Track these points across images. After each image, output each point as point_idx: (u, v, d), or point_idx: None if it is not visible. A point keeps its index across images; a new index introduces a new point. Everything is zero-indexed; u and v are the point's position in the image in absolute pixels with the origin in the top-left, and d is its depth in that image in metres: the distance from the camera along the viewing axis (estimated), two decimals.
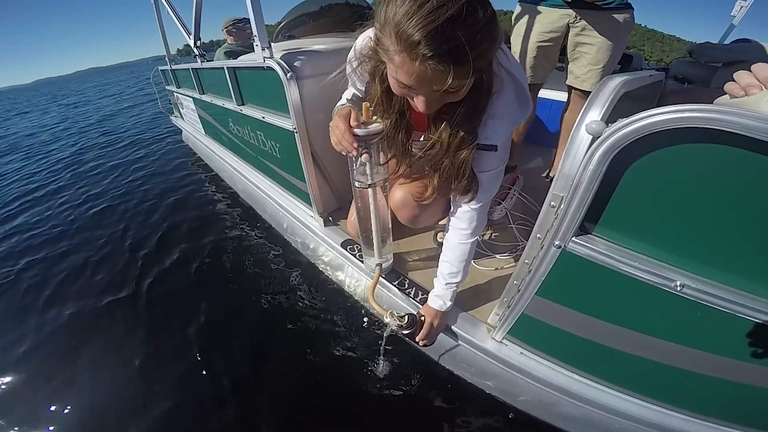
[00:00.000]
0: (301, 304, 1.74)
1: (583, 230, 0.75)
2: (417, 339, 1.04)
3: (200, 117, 3.23)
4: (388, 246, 1.26)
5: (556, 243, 0.76)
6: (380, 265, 1.22)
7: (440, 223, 1.46)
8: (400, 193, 1.09)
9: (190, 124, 3.87)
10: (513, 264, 1.32)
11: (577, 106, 1.59)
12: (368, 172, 0.98)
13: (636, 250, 0.70)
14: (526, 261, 0.86)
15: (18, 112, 16.07)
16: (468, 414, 1.21)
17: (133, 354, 1.64)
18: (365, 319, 1.49)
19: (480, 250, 1.37)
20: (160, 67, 3.94)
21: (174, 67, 3.39)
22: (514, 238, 1.43)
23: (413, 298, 1.22)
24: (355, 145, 0.87)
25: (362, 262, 1.39)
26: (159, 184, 3.77)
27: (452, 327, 1.12)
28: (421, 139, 0.98)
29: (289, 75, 1.31)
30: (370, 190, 1.03)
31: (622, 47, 1.43)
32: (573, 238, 0.74)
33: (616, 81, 0.70)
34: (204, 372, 1.50)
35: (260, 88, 1.68)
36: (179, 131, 4.68)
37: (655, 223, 0.67)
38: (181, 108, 3.96)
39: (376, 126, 0.89)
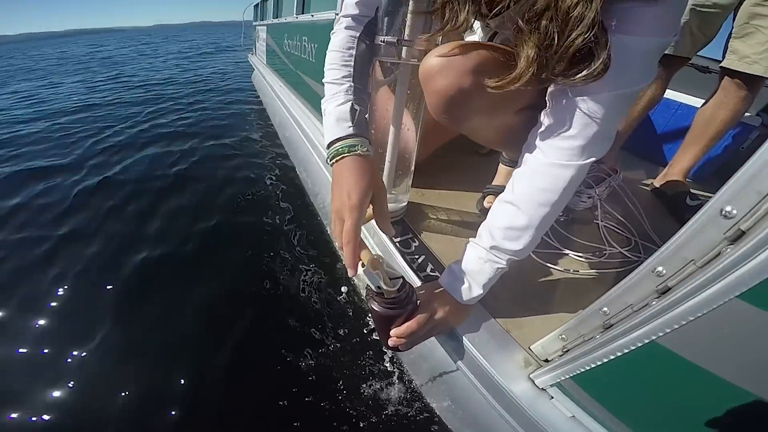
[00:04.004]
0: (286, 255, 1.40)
1: None
2: (391, 329, 0.60)
3: (267, 45, 3.17)
4: (403, 185, 0.83)
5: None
6: None
7: (494, 183, 0.99)
8: (441, 51, 0.62)
9: (259, 57, 3.87)
10: (588, 271, 0.83)
11: (729, 96, 1.09)
12: (409, 14, 0.56)
13: None
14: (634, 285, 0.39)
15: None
16: None
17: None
18: (343, 290, 1.08)
19: (546, 238, 0.88)
20: (255, 3, 4.04)
21: None
22: (597, 239, 0.92)
23: (417, 271, 0.77)
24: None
25: None
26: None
27: (463, 337, 0.66)
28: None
29: None
30: (399, 69, 0.60)
31: None
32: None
33: None
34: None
35: None
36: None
37: None
38: (257, 41, 3.99)
39: None
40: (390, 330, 0.59)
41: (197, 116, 3.48)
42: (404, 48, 0.66)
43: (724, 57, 1.09)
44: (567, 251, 0.86)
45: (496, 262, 0.59)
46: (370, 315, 0.75)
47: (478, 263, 0.60)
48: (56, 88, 5.95)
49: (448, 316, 0.62)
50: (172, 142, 2.74)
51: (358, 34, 0.67)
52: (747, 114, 1.17)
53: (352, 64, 0.65)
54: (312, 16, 1.50)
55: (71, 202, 1.88)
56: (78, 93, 5.16)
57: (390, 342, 0.60)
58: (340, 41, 0.67)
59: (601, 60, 0.42)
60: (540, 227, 0.56)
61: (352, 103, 0.62)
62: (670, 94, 1.57)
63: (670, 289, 0.39)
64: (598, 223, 0.97)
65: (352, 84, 0.64)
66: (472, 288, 0.61)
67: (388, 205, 0.82)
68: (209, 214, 1.70)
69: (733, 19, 1.05)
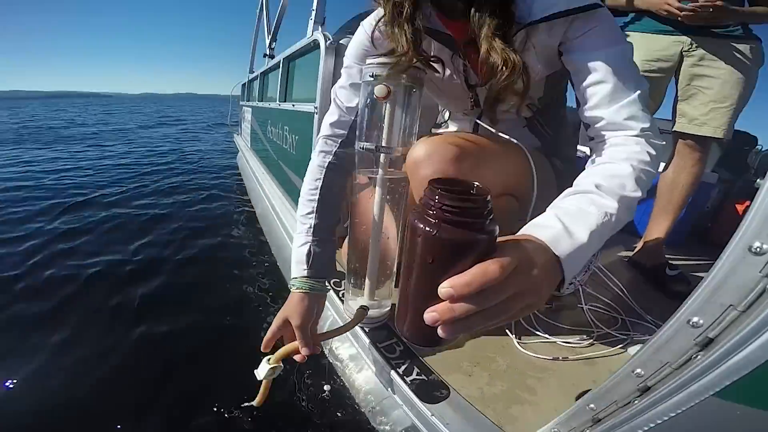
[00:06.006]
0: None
1: None
2: (443, 279, 0.29)
3: (252, 129, 3.13)
4: (385, 288, 0.83)
5: None
6: (365, 308, 0.77)
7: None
8: (426, 141, 0.66)
9: (244, 139, 3.76)
10: (578, 356, 0.81)
11: (686, 160, 1.17)
12: (386, 122, 0.63)
13: None
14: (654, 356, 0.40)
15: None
16: None
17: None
18: (326, 388, 0.99)
19: (529, 327, 0.88)
20: (243, 81, 3.98)
21: (250, 77, 3.40)
22: (583, 322, 0.92)
23: (403, 376, 0.73)
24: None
25: (342, 302, 0.95)
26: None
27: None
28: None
29: (328, 43, 1.13)
30: (377, 179, 0.67)
31: (752, 86, 1.08)
32: None
33: None
34: None
35: (302, 73, 1.55)
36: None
37: None
38: (242, 121, 3.91)
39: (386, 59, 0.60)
40: (442, 281, 0.29)
41: (176, 198, 3.09)
42: (381, 155, 0.70)
43: (674, 121, 1.17)
44: (555, 339, 0.85)
45: (604, 206, 0.44)
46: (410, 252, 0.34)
47: (579, 206, 0.45)
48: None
49: (539, 272, 0.34)
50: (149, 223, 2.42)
51: (327, 161, 0.74)
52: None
53: (317, 197, 0.73)
54: (293, 105, 1.50)
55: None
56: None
57: (430, 316, 0.29)
58: (312, 170, 0.76)
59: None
60: (626, 195, 0.48)
61: (309, 246, 0.71)
62: None
63: (650, 388, 0.40)
64: (583, 307, 0.98)
65: (314, 222, 0.72)
66: (574, 233, 0.40)
67: (372, 311, 0.80)
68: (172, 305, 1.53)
69: (676, 83, 1.15)
